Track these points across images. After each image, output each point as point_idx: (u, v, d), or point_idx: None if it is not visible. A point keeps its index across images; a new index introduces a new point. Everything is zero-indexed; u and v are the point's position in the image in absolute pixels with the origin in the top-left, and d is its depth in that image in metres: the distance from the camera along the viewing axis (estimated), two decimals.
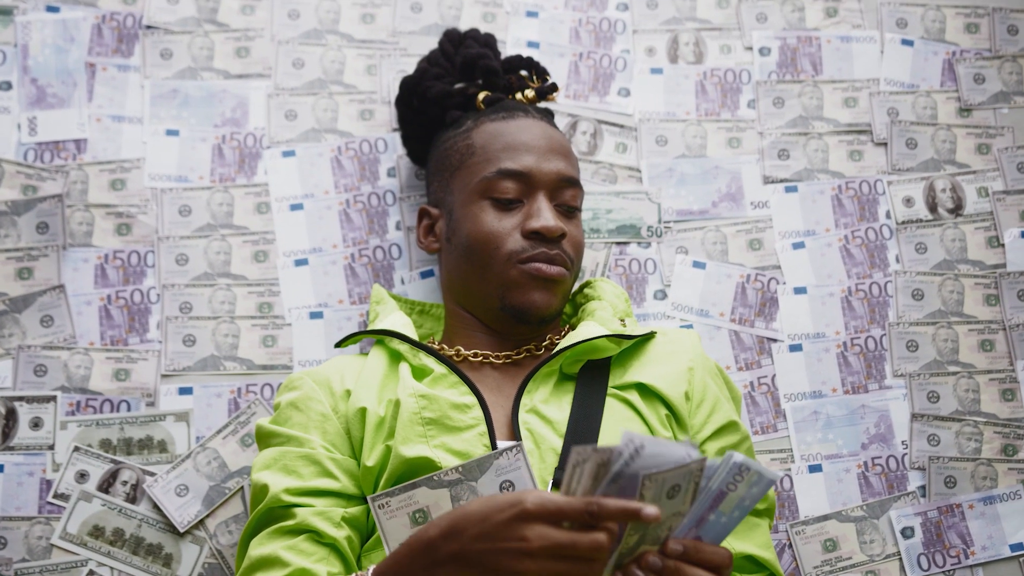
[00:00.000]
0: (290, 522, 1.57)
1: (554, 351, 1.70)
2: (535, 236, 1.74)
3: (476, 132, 1.83)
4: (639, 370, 1.71)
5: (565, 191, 1.80)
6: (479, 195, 1.77)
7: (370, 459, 1.61)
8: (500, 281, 1.74)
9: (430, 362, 1.69)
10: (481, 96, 1.91)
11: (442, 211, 1.85)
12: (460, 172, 1.81)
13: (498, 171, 1.77)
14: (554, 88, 1.95)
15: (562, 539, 1.23)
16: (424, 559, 1.35)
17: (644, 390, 1.68)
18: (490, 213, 1.76)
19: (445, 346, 1.81)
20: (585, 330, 1.71)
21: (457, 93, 1.93)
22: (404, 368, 1.69)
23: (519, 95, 1.93)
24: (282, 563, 1.54)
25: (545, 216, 1.74)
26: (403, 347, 1.72)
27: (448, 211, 1.82)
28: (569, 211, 1.80)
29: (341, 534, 1.57)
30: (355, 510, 1.60)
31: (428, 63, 1.97)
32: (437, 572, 1.33)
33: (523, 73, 1.98)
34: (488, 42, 1.99)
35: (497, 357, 1.77)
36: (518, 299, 1.74)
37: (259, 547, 1.58)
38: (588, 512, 1.22)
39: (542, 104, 1.98)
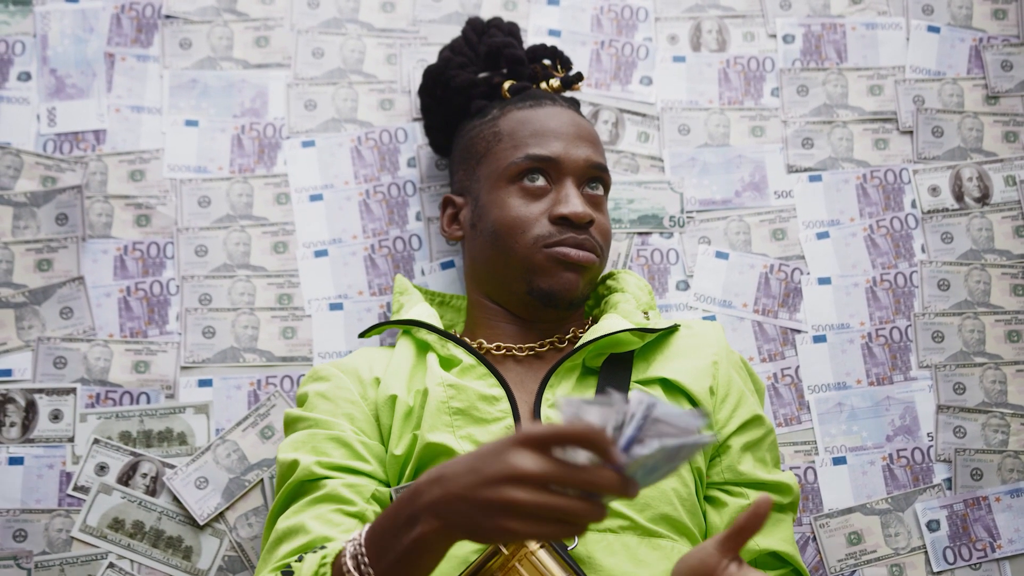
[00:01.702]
0: (319, 492, 1.55)
1: (577, 345, 1.69)
2: (563, 222, 1.73)
3: (503, 120, 1.81)
4: (663, 364, 1.70)
5: (593, 178, 1.79)
6: (506, 181, 1.76)
7: (398, 448, 1.60)
8: (526, 266, 1.73)
9: (459, 352, 1.68)
10: (507, 85, 1.90)
11: (467, 199, 1.83)
12: (487, 159, 1.80)
13: (526, 156, 1.75)
14: (579, 77, 1.94)
15: (558, 471, 1.12)
16: (408, 508, 1.25)
17: (668, 385, 1.67)
18: (517, 199, 1.75)
19: (467, 339, 1.80)
20: (608, 323, 1.70)
21: (482, 82, 1.92)
22: (432, 358, 1.68)
23: (544, 84, 1.92)
24: (305, 531, 1.52)
25: (573, 202, 1.73)
26: (431, 337, 1.71)
27: (474, 198, 1.81)
28: (597, 199, 1.79)
29: (370, 508, 1.55)
30: (385, 491, 1.59)
31: (452, 52, 1.96)
32: (417, 523, 1.22)
33: (546, 62, 1.96)
34: (512, 31, 1.98)
35: (520, 350, 1.76)
36: (546, 282, 1.72)
37: (287, 519, 1.56)
38: (590, 437, 1.10)
39: (567, 93, 1.96)
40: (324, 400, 1.68)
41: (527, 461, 1.13)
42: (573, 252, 1.72)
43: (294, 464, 1.60)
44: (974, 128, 2.11)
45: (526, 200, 1.75)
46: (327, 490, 1.55)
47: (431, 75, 1.96)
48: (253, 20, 2.10)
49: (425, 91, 1.98)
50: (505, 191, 1.76)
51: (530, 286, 1.74)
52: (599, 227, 1.76)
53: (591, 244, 1.74)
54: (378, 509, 1.56)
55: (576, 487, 1.12)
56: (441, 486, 1.20)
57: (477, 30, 1.98)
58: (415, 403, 1.63)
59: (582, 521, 1.14)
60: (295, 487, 1.59)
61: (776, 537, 1.63)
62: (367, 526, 1.34)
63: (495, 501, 1.14)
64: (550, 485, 1.12)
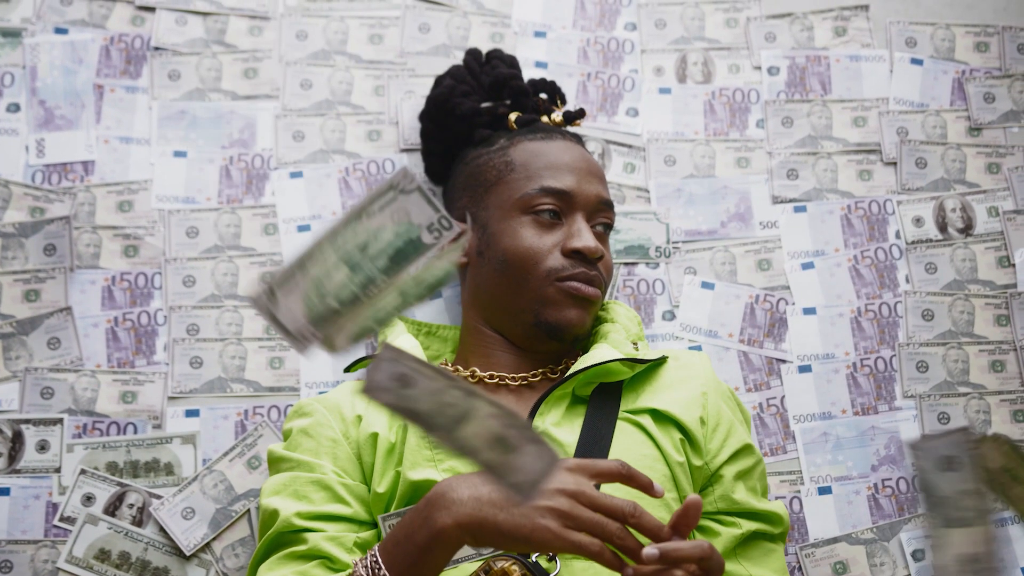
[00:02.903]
0: (302, 547, 1.56)
1: (567, 374, 1.70)
2: (575, 255, 1.74)
3: (514, 150, 1.82)
4: (652, 395, 1.71)
5: (602, 214, 1.81)
6: (519, 211, 1.77)
7: (381, 486, 1.60)
8: (536, 297, 1.74)
9: None
10: (513, 116, 1.91)
11: (473, 226, 1.83)
12: (497, 187, 1.80)
13: (540, 188, 1.76)
14: (582, 114, 1.95)
15: (600, 496, 1.32)
16: (422, 512, 1.37)
17: (658, 415, 1.67)
18: (529, 229, 1.75)
19: (460, 367, 1.80)
20: (598, 353, 1.71)
21: (485, 112, 1.93)
22: None
23: (546, 117, 1.93)
24: None
25: (586, 236, 1.75)
26: None
27: (481, 226, 1.81)
28: (603, 235, 1.81)
29: (354, 559, 1.56)
30: (367, 535, 1.59)
31: (454, 80, 1.96)
32: (433, 522, 1.35)
33: (543, 96, 1.97)
34: (513, 63, 1.99)
35: (513, 379, 1.76)
36: (554, 316, 1.73)
37: (269, 570, 1.56)
38: (620, 473, 1.35)
39: (568, 128, 1.97)
40: (307, 437, 1.68)
41: (578, 481, 1.33)
42: (583, 287, 1.73)
43: (275, 513, 1.60)
44: (957, 159, 2.13)
45: (538, 231, 1.76)
46: (309, 545, 1.55)
47: (434, 102, 1.97)
48: (242, 52, 2.11)
49: (427, 117, 1.99)
50: (517, 221, 1.77)
51: (538, 318, 1.74)
52: (604, 262, 1.78)
53: (599, 280, 1.76)
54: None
55: (609, 515, 1.32)
56: (469, 492, 1.34)
57: (478, 60, 1.99)
58: (396, 439, 1.63)
59: (609, 537, 1.30)
60: (275, 538, 1.59)
61: (768, 568, 1.63)
62: (379, 542, 1.44)
63: (540, 505, 1.30)
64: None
